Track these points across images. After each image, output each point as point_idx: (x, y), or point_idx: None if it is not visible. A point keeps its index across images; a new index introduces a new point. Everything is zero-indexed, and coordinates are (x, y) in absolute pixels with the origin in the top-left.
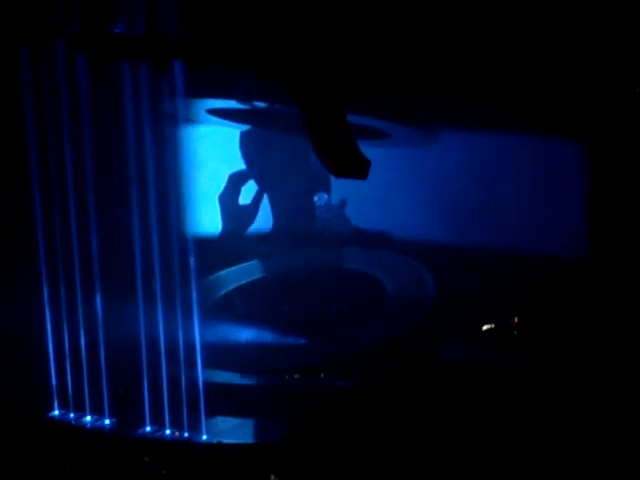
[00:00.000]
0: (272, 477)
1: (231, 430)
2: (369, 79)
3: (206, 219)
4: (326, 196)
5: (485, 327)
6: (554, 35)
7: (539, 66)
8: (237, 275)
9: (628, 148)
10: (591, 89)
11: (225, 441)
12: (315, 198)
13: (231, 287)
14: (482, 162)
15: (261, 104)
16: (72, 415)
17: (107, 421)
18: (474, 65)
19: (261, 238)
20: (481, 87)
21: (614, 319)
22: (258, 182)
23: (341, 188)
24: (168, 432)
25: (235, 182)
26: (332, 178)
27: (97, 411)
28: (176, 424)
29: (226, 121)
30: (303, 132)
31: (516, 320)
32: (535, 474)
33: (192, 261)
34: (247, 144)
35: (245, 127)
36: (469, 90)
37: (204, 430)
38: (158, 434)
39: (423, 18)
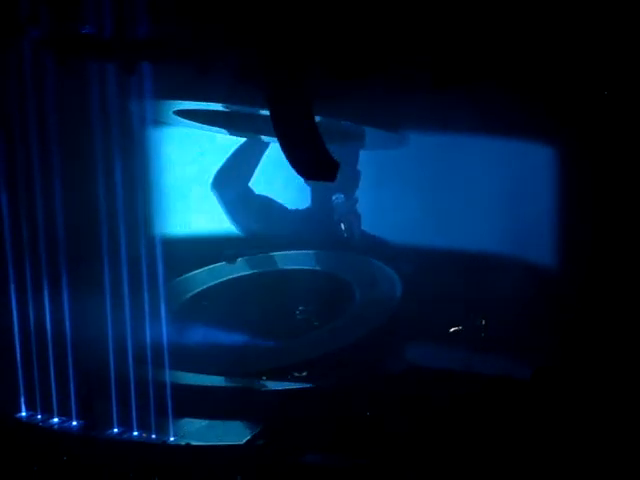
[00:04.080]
0: (238, 478)
1: (199, 431)
2: (338, 75)
3: (174, 220)
4: (342, 196)
5: (452, 329)
6: (534, 35)
7: (517, 65)
8: (205, 277)
9: (603, 151)
10: (566, 91)
11: (193, 442)
12: (333, 197)
13: (199, 289)
14: (452, 165)
15: (229, 106)
16: (39, 416)
17: (74, 422)
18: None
19: (229, 240)
20: (454, 86)
21: (583, 320)
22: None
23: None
24: (136, 434)
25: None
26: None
27: (65, 413)
28: (144, 425)
29: (193, 122)
30: (271, 134)
31: (483, 322)
32: (504, 472)
33: (160, 262)
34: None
35: (212, 128)
36: (441, 88)
37: (172, 432)
38: (126, 436)
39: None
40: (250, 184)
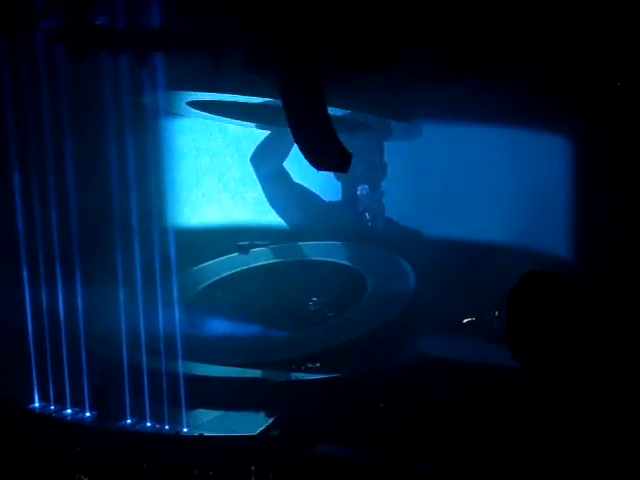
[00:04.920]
0: (252, 469)
1: (212, 422)
2: (355, 66)
3: (187, 211)
4: (367, 187)
5: (466, 320)
6: (545, 25)
7: (531, 55)
8: (218, 268)
9: (617, 140)
10: (579, 83)
11: (206, 433)
12: (358, 189)
13: (212, 280)
14: (465, 155)
15: (241, 97)
16: (52, 407)
17: (87, 413)
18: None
19: (242, 231)
20: (466, 76)
21: (596, 313)
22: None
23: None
24: (149, 425)
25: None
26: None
27: (78, 404)
28: (157, 417)
29: (206, 114)
30: (284, 125)
31: (497, 313)
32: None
33: (173, 253)
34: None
35: (225, 119)
36: (454, 78)
37: (185, 422)
38: (139, 426)
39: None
40: (285, 164)
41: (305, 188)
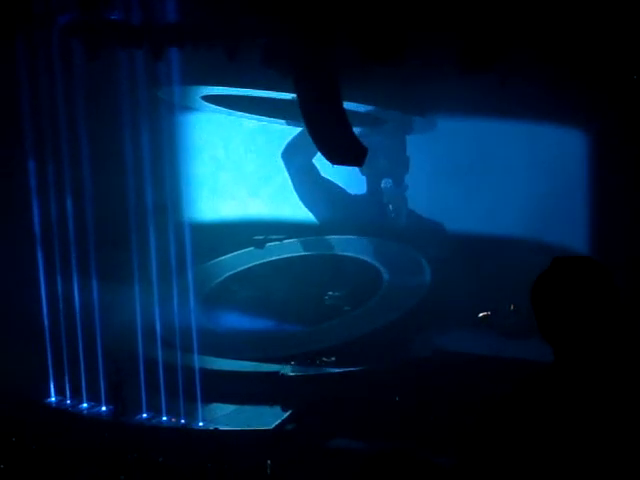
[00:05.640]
0: (268, 463)
1: (227, 417)
2: (372, 60)
3: (203, 205)
4: (391, 181)
5: (481, 314)
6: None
7: (545, 47)
8: (234, 262)
9: (632, 136)
10: (595, 77)
11: (221, 428)
12: (382, 182)
13: (228, 274)
14: (483, 151)
15: (256, 91)
16: (69, 402)
17: (104, 408)
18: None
19: (258, 225)
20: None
21: (611, 306)
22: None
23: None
24: (164, 419)
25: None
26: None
27: (94, 398)
28: (172, 411)
29: (220, 108)
30: (299, 119)
31: (512, 307)
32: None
33: (189, 247)
34: None
35: (239, 114)
36: (471, 73)
37: (200, 417)
38: (154, 421)
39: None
40: (314, 160)
41: (333, 182)
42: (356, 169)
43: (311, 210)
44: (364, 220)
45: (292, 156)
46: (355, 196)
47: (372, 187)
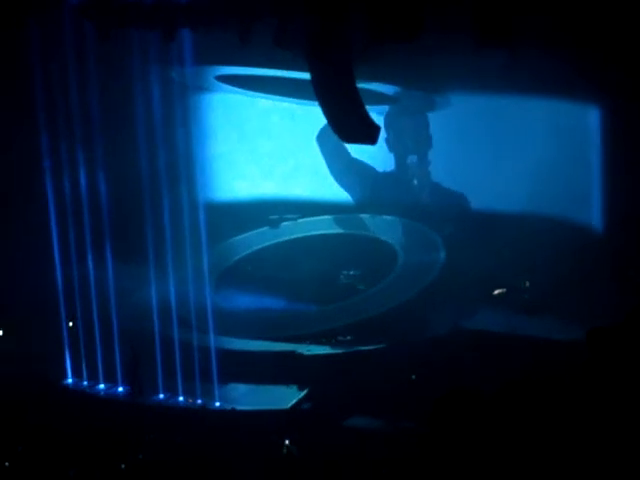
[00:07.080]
0: (286, 442)
1: (244, 396)
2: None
3: (217, 186)
4: (416, 157)
5: (497, 291)
6: None
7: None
8: (249, 242)
9: None
10: (611, 51)
11: (238, 407)
12: (407, 158)
13: (243, 254)
14: (491, 127)
15: (269, 71)
16: (85, 383)
17: (120, 389)
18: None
19: (272, 205)
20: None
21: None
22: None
23: None
24: (181, 399)
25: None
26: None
27: (110, 379)
28: (189, 391)
29: (234, 88)
30: (312, 98)
31: (527, 284)
32: (544, 442)
33: (203, 227)
34: None
35: (253, 94)
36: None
37: (217, 397)
38: (171, 401)
39: None
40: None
41: (363, 162)
42: (385, 149)
43: (344, 188)
44: (392, 197)
45: (325, 138)
46: (384, 173)
47: (399, 165)
